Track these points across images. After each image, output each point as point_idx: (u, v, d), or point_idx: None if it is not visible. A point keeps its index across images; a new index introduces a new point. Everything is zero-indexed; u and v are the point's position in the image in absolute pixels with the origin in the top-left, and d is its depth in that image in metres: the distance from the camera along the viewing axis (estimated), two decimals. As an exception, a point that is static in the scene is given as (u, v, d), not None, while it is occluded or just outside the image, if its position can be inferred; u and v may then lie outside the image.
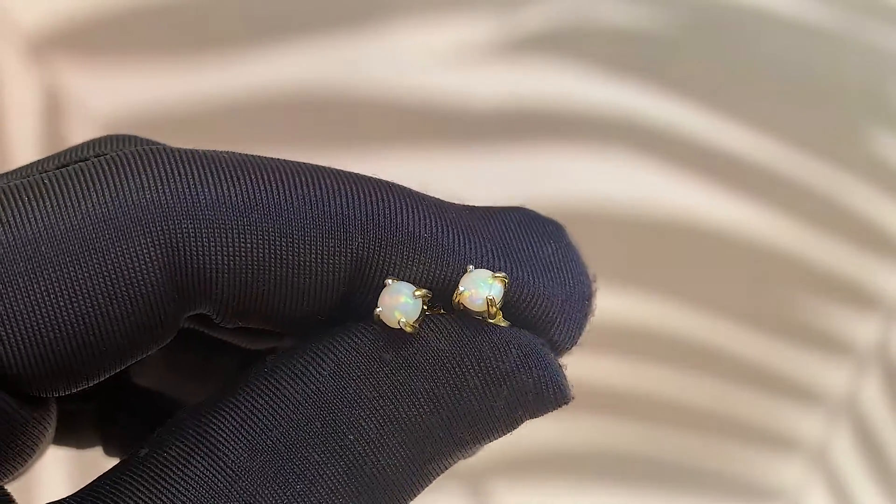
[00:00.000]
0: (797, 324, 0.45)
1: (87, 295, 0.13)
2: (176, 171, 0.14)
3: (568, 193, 0.43)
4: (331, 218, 0.14)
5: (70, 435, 0.19)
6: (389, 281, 0.14)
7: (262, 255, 0.13)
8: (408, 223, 0.14)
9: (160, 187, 0.13)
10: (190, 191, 0.13)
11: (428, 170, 0.42)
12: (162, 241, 0.13)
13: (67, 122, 0.41)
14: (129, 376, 0.19)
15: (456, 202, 0.16)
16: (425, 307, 0.14)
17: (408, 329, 0.14)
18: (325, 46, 0.40)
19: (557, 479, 0.47)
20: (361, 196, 0.14)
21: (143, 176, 0.13)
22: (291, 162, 0.14)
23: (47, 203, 0.13)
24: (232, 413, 0.13)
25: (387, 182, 0.15)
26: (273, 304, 0.14)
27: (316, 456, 0.13)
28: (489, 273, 0.14)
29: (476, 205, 0.16)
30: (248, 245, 0.13)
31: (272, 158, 0.15)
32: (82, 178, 0.13)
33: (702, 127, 0.42)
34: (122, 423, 0.19)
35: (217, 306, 0.14)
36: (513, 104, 0.42)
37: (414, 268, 0.14)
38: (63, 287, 0.12)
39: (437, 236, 0.14)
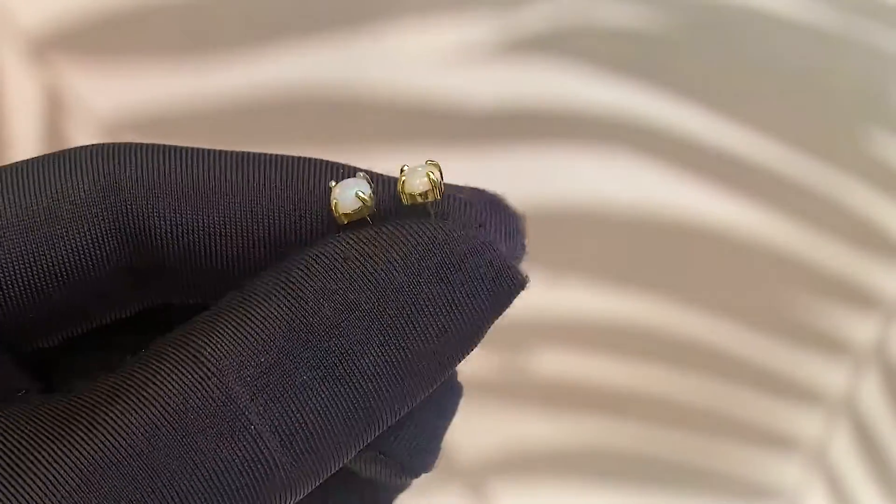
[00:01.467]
0: (797, 324, 0.45)
1: (41, 262, 0.14)
2: (129, 155, 0.15)
3: (568, 193, 0.43)
4: (260, 180, 0.16)
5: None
6: (332, 182, 0.15)
7: (201, 215, 0.15)
8: (332, 173, 0.16)
9: (110, 165, 0.15)
10: (140, 167, 0.15)
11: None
12: (111, 213, 0.15)
13: (68, 123, 0.41)
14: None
15: None
16: (370, 184, 0.15)
17: (367, 202, 0.15)
18: (325, 46, 0.40)
19: (557, 479, 0.47)
20: (288, 163, 0.17)
21: (97, 158, 0.15)
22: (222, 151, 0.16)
23: (13, 181, 0.15)
24: (214, 323, 0.14)
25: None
26: (214, 254, 0.15)
27: (284, 343, 0.14)
28: (424, 163, 0.16)
29: None
30: (191, 210, 0.15)
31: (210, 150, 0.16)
32: (48, 161, 0.15)
33: (702, 127, 0.42)
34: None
35: (171, 278, 0.15)
36: (513, 104, 0.42)
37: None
38: (18, 254, 0.14)
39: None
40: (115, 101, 0.41)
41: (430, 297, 0.15)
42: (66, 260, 0.14)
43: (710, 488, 0.47)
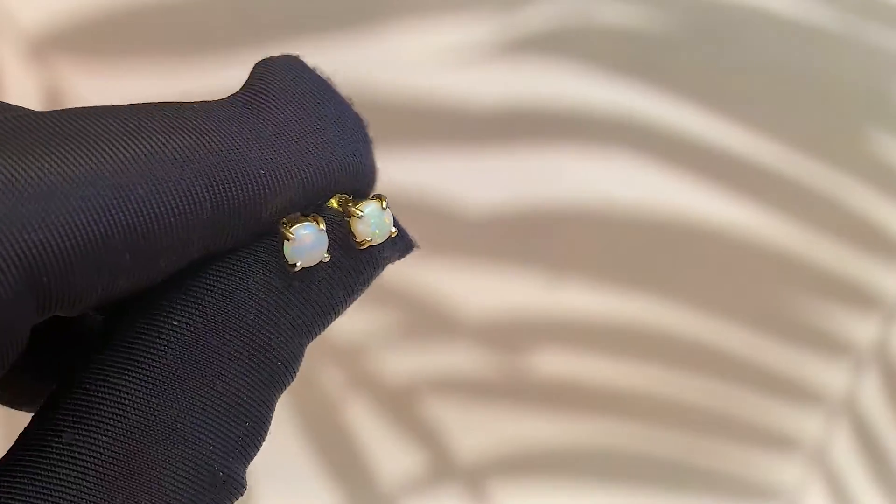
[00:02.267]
0: (797, 324, 0.45)
1: None
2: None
3: (568, 193, 0.43)
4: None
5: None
6: (302, 230, 0.14)
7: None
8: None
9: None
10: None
11: (428, 170, 0.42)
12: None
13: (68, 122, 0.41)
14: None
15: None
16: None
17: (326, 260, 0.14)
18: (325, 46, 0.40)
19: (557, 479, 0.47)
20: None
21: None
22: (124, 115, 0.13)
23: None
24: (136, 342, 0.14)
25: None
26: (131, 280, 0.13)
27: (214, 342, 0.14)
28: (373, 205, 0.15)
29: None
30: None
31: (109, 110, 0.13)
32: None
33: (702, 127, 0.42)
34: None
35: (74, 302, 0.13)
36: (513, 104, 0.42)
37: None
38: None
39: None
40: (115, 101, 0.41)
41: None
42: None
43: (710, 488, 0.47)
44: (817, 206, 0.43)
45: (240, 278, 0.14)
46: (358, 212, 0.15)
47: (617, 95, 0.42)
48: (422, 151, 0.42)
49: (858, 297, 0.45)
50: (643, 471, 0.47)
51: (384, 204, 0.15)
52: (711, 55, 0.42)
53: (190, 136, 0.13)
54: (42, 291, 0.12)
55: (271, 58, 0.16)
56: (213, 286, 0.14)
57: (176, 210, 0.12)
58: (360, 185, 0.16)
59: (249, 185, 0.13)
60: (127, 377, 0.13)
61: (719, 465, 0.47)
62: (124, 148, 0.12)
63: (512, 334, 0.44)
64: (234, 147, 0.13)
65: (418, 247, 0.17)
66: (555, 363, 0.45)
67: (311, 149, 0.14)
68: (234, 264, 0.14)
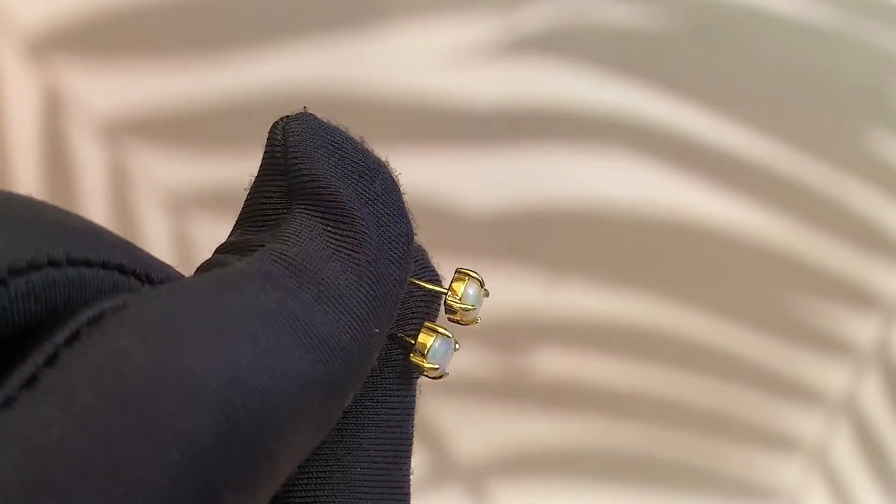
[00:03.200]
0: (797, 324, 0.45)
1: None
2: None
3: (568, 193, 0.43)
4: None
5: None
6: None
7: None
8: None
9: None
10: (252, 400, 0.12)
11: (428, 170, 0.42)
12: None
13: (68, 123, 0.41)
14: None
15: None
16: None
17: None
18: (325, 46, 0.40)
19: (557, 479, 0.47)
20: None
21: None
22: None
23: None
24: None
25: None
26: None
27: None
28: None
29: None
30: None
31: None
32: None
33: (702, 127, 0.42)
34: None
35: None
36: (513, 104, 0.42)
37: None
38: None
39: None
40: (115, 101, 0.41)
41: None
42: None
43: (710, 488, 0.47)
44: (817, 206, 0.43)
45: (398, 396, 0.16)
46: (468, 306, 0.16)
47: (617, 95, 0.42)
48: (422, 151, 0.42)
49: (858, 297, 0.45)
50: (643, 471, 0.47)
51: (481, 282, 0.16)
52: (711, 55, 0.42)
53: (349, 276, 0.14)
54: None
55: (296, 138, 0.17)
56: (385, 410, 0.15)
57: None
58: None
59: (392, 290, 0.15)
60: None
61: (719, 465, 0.47)
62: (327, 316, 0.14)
63: (512, 334, 0.44)
64: (372, 262, 0.15)
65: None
66: (555, 363, 0.45)
67: (391, 245, 0.15)
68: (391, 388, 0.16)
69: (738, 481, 0.47)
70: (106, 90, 0.40)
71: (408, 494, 0.15)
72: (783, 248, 0.44)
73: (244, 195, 0.16)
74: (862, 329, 0.45)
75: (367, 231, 0.15)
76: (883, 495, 0.47)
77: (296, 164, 0.15)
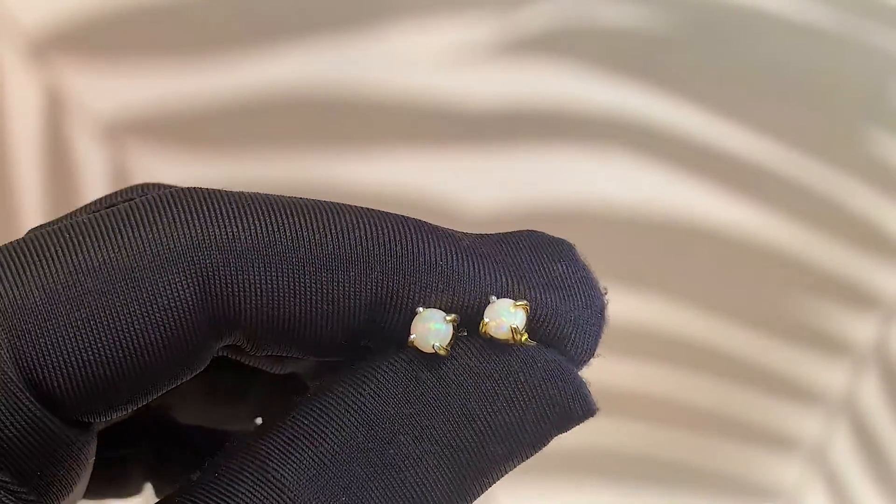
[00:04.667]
0: (797, 324, 0.45)
1: (125, 323, 0.14)
2: (205, 208, 0.14)
3: (568, 193, 0.43)
4: (351, 249, 0.14)
5: (119, 482, 0.20)
6: (420, 309, 0.15)
7: (287, 284, 0.14)
8: (425, 253, 0.15)
9: (191, 222, 0.14)
10: (219, 226, 0.14)
11: (428, 170, 0.42)
12: (194, 273, 0.14)
13: (68, 122, 0.41)
14: (171, 412, 0.20)
15: (467, 231, 0.17)
16: (455, 331, 0.15)
17: (441, 352, 0.14)
18: (325, 46, 0.40)
19: (557, 478, 0.47)
20: (378, 229, 0.15)
21: (176, 212, 0.14)
22: (313, 200, 0.15)
23: (88, 240, 0.14)
24: (279, 435, 0.14)
25: (402, 216, 0.15)
26: (300, 329, 0.15)
27: (359, 470, 0.14)
28: (511, 302, 0.15)
29: (487, 232, 0.17)
30: (275, 275, 0.14)
31: (295, 197, 0.15)
32: (120, 218, 0.14)
33: (702, 127, 0.42)
34: (175, 458, 0.20)
35: (248, 334, 0.14)
36: (513, 104, 0.42)
37: (435, 295, 0.15)
38: (103, 315, 0.13)
39: (454, 265, 0.15)
40: (115, 101, 0.41)
41: (502, 423, 0.15)
42: (146, 345, 0.14)
43: (710, 488, 0.47)
44: (817, 206, 0.43)
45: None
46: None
47: (617, 95, 0.42)
48: (422, 151, 0.42)
49: (858, 297, 0.45)
50: (643, 471, 0.47)
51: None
52: (711, 55, 0.42)
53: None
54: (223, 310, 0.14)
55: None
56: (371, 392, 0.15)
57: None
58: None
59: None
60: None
61: (719, 465, 0.47)
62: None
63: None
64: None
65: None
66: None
67: None
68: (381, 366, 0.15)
69: (736, 481, 0.47)
70: (107, 90, 0.40)
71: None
72: (783, 248, 0.44)
73: None
74: (861, 329, 0.45)
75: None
76: (882, 495, 0.47)
77: None
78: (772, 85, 0.42)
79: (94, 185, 0.41)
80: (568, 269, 0.17)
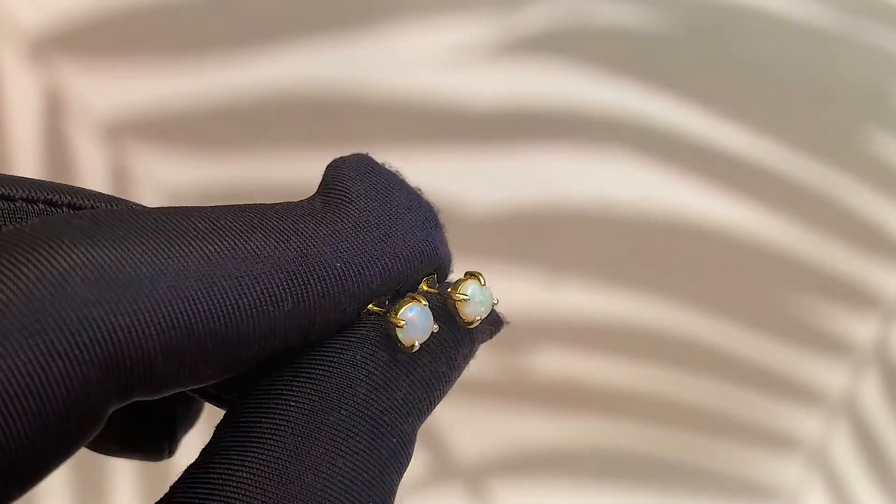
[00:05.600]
0: (796, 324, 0.45)
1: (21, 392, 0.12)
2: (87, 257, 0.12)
3: (568, 193, 0.43)
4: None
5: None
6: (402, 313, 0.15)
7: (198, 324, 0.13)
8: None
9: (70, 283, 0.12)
10: (111, 280, 0.12)
11: (428, 170, 0.42)
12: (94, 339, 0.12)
13: (68, 123, 0.41)
14: None
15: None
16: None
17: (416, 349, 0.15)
18: (325, 46, 0.40)
19: (557, 479, 0.47)
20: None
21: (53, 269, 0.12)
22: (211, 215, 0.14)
23: None
24: (255, 408, 0.14)
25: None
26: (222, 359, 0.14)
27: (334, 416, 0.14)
28: (480, 289, 0.15)
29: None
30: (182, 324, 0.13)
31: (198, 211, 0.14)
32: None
33: (702, 127, 0.42)
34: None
35: (157, 386, 0.13)
36: (513, 104, 0.42)
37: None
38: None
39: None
40: (115, 101, 0.41)
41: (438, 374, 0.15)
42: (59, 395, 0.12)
43: (710, 488, 0.48)
44: (817, 206, 0.43)
45: (349, 355, 0.14)
46: (462, 296, 0.15)
47: (616, 95, 0.42)
48: (422, 151, 0.42)
49: (858, 297, 0.45)
50: (643, 471, 0.47)
51: (482, 280, 0.15)
52: (711, 55, 0.42)
53: (269, 235, 0.14)
54: (125, 374, 0.12)
55: (342, 158, 0.17)
56: (324, 363, 0.14)
57: (256, 302, 0.13)
58: (438, 268, 0.16)
59: (327, 279, 0.14)
60: (249, 457, 0.13)
61: (719, 465, 0.47)
62: (209, 245, 0.13)
63: (512, 334, 0.44)
64: (311, 244, 0.14)
65: (507, 322, 0.17)
66: (555, 363, 0.45)
67: (385, 238, 0.15)
68: (341, 343, 0.15)
69: (737, 481, 0.47)
70: (107, 90, 0.40)
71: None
72: (783, 248, 0.44)
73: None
74: (861, 329, 0.45)
75: (350, 205, 0.15)
76: (882, 495, 0.47)
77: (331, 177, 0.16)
78: (772, 85, 0.42)
79: (95, 185, 0.41)
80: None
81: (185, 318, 0.13)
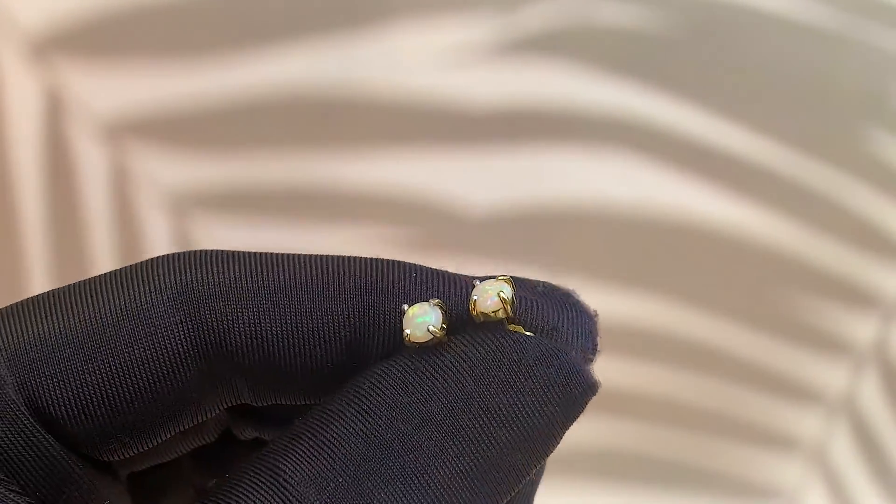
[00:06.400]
0: (796, 323, 0.45)
1: (120, 353, 0.15)
2: (199, 260, 0.15)
3: (568, 193, 0.43)
4: (329, 284, 0.15)
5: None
6: (405, 307, 0.15)
7: (271, 316, 0.15)
8: (401, 269, 0.16)
9: (185, 270, 0.15)
10: (208, 272, 0.15)
11: (428, 170, 0.42)
12: (183, 304, 0.15)
13: (68, 123, 0.41)
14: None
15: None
16: (445, 315, 0.15)
17: (438, 334, 0.15)
18: (325, 46, 0.40)
19: (557, 479, 0.47)
20: (355, 265, 0.16)
21: (173, 263, 0.15)
22: (297, 255, 0.16)
23: (93, 286, 0.15)
24: (285, 436, 0.15)
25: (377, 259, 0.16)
26: (288, 358, 0.15)
27: (361, 462, 0.14)
28: (493, 279, 0.16)
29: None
30: (259, 310, 0.15)
31: (281, 253, 0.16)
32: (126, 271, 0.16)
33: (702, 127, 0.42)
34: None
35: (244, 371, 0.15)
36: (513, 104, 0.42)
37: (420, 299, 0.16)
38: (109, 369, 0.15)
39: (430, 271, 0.16)
40: (115, 101, 0.41)
41: (502, 406, 0.15)
42: (145, 378, 0.15)
43: (710, 488, 0.48)
44: (817, 206, 0.43)
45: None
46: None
47: (617, 95, 0.42)
48: (422, 151, 0.42)
49: (858, 297, 0.45)
50: (643, 471, 0.47)
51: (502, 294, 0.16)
52: (711, 55, 0.42)
53: None
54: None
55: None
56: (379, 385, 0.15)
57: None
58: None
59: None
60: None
61: (719, 465, 0.47)
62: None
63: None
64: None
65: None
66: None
67: None
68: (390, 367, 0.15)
69: (736, 481, 0.47)
70: (107, 91, 0.40)
71: None
72: (783, 248, 0.44)
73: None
74: (861, 329, 0.45)
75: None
76: (882, 495, 0.47)
77: None
78: (772, 85, 0.42)
79: (95, 185, 0.41)
80: (548, 285, 0.17)
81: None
